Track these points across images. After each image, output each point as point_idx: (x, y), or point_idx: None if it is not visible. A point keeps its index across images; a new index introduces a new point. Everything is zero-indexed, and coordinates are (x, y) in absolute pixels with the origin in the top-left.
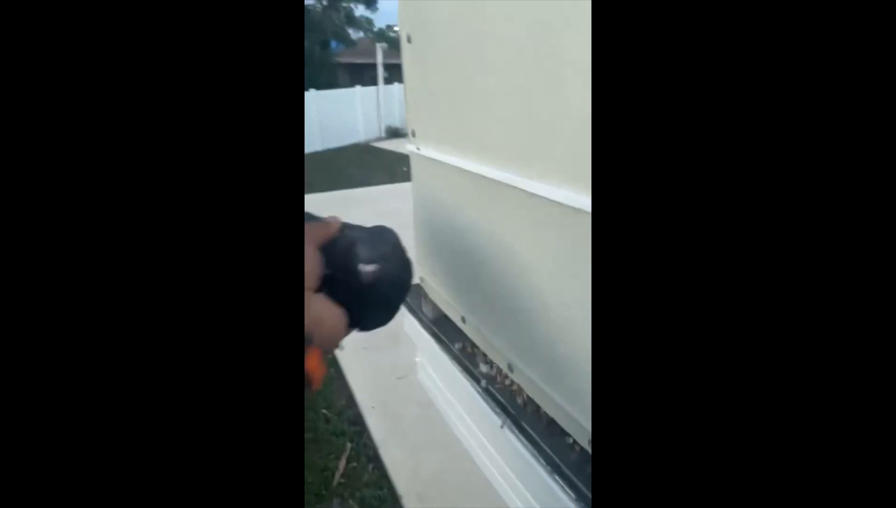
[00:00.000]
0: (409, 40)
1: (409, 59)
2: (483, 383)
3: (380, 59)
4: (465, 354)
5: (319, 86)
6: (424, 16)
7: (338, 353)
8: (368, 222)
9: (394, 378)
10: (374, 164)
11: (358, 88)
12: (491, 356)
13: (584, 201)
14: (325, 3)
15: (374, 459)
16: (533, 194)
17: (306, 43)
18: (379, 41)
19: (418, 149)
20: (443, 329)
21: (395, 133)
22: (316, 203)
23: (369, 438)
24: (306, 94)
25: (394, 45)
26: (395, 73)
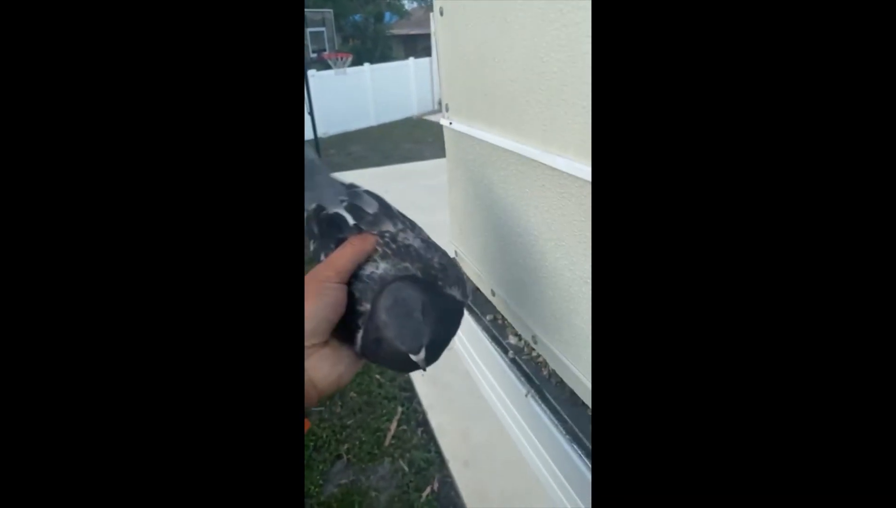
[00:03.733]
0: (441, 13)
1: (441, 32)
2: (510, 353)
3: (434, 29)
4: (497, 325)
5: (374, 60)
6: None
7: None
8: (418, 197)
9: (444, 349)
10: (426, 138)
11: (411, 60)
12: (517, 328)
13: None
14: None
15: (423, 423)
16: (553, 169)
17: (361, 18)
18: (433, 11)
19: (451, 123)
20: (476, 301)
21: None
22: (367, 178)
23: (419, 403)
24: (361, 68)
25: None
26: None
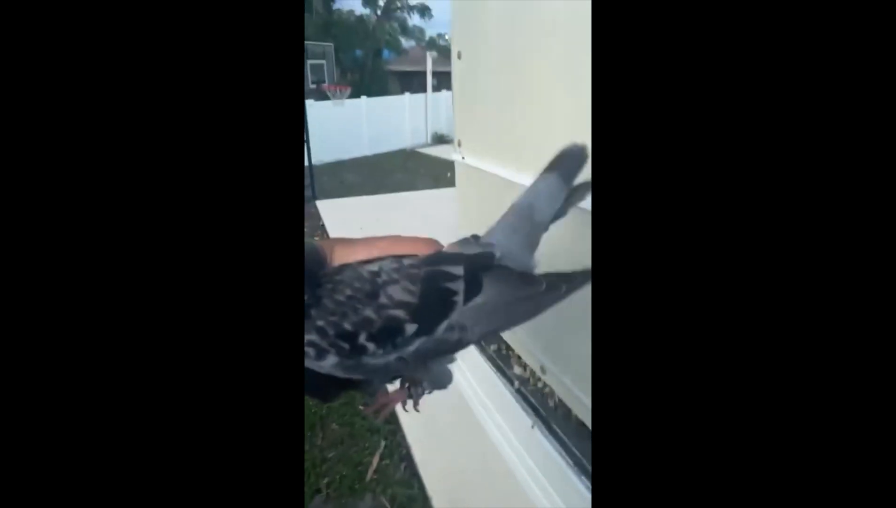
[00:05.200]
0: (459, 57)
1: (458, 73)
2: (516, 384)
3: (430, 68)
4: (500, 355)
5: (370, 93)
6: (475, 35)
7: None
8: (409, 225)
9: None
10: (419, 169)
11: (407, 96)
12: (524, 357)
13: None
14: (379, 13)
15: (407, 458)
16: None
17: (360, 53)
18: (429, 50)
19: (463, 158)
20: None
21: (440, 139)
22: (361, 206)
23: (403, 437)
24: (358, 101)
25: (443, 53)
26: (442, 80)
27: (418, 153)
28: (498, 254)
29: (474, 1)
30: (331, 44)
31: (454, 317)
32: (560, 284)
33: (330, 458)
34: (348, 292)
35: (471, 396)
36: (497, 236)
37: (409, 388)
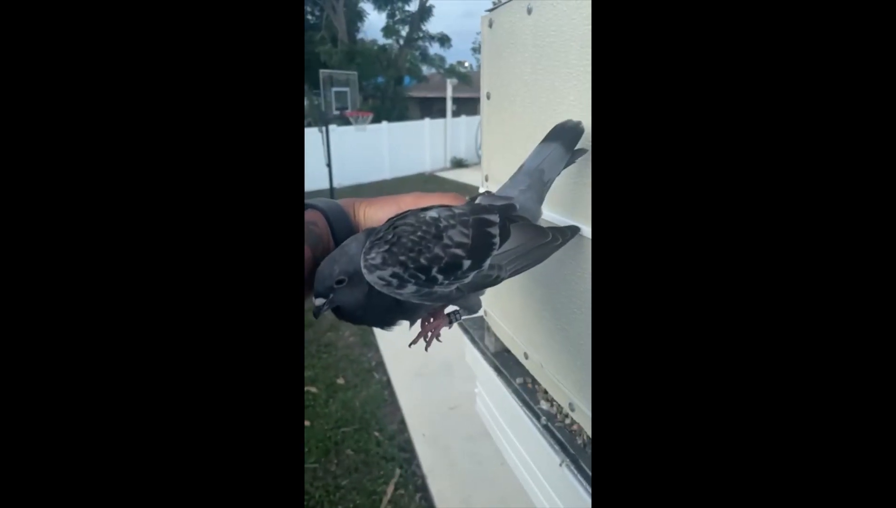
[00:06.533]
0: (488, 97)
1: (487, 113)
2: (543, 419)
3: (449, 94)
4: (526, 389)
5: (391, 118)
6: (503, 78)
7: (392, 379)
8: None
9: (446, 408)
10: (437, 191)
11: (427, 121)
12: (552, 393)
13: None
14: (401, 42)
15: (422, 489)
16: (585, 237)
17: (382, 80)
18: (449, 77)
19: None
20: (504, 363)
21: (458, 163)
22: None
23: (418, 466)
24: (379, 126)
25: (463, 79)
26: (461, 106)
27: (437, 176)
28: (517, 206)
29: (503, 46)
30: (355, 72)
31: (493, 257)
32: (558, 236)
33: (344, 486)
34: (419, 233)
35: (493, 428)
36: (513, 191)
37: (448, 314)
